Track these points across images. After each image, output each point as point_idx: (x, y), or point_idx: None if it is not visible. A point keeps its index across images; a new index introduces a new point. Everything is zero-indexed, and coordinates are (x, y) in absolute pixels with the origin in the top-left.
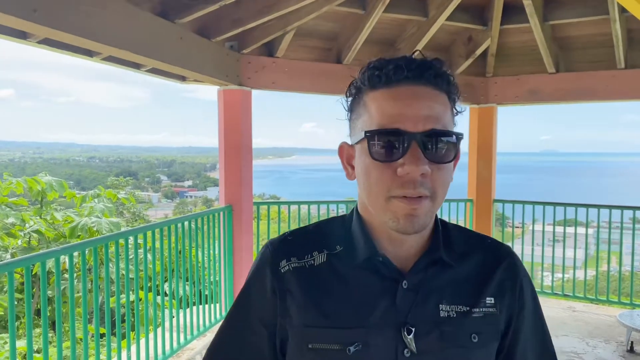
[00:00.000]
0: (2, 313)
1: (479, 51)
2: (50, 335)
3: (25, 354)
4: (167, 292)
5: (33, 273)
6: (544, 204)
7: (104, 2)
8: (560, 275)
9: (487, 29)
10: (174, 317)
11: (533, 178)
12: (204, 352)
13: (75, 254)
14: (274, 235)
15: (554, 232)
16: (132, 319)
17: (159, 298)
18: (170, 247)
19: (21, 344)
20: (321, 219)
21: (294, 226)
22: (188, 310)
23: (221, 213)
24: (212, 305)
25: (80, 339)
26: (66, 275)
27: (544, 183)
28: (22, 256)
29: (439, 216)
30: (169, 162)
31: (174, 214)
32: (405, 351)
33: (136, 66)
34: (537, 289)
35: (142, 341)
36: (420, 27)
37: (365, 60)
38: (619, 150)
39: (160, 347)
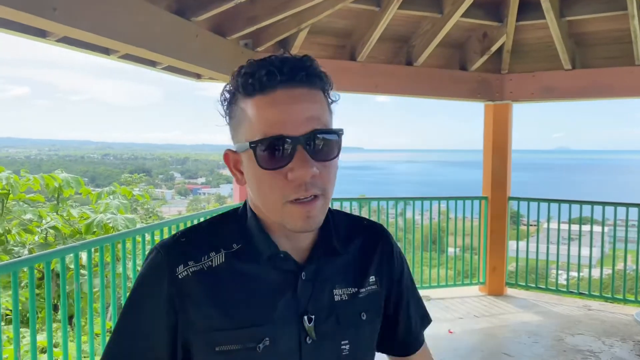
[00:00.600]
0: (20, 308)
1: (494, 48)
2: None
3: (42, 349)
4: None
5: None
6: (560, 201)
7: (122, 0)
8: (574, 273)
9: (503, 25)
10: None
11: (546, 176)
12: None
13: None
14: None
15: (569, 230)
16: None
17: None
18: None
19: (39, 339)
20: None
21: None
22: None
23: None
24: None
25: (97, 334)
26: (83, 271)
27: (558, 181)
28: (41, 252)
29: (449, 211)
30: (183, 160)
31: (187, 211)
32: (307, 339)
33: (152, 64)
34: (552, 287)
35: None
36: (435, 23)
37: (379, 57)
38: (635, 148)
39: None
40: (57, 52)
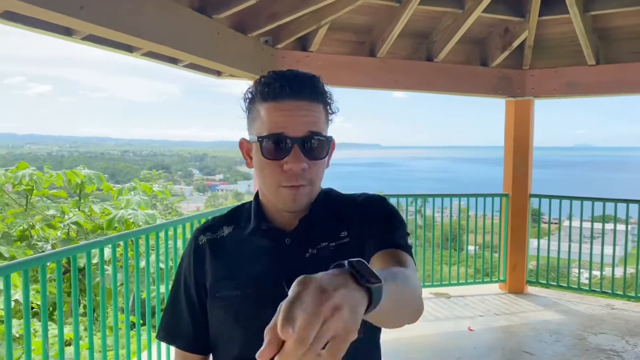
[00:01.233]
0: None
1: (515, 43)
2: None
3: (68, 341)
4: None
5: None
6: (582, 199)
7: None
8: (597, 272)
9: (525, 21)
10: None
11: (567, 173)
12: None
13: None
14: None
15: (592, 228)
16: None
17: None
18: None
19: (55, 332)
20: None
21: None
22: None
23: None
24: None
25: (120, 328)
26: (105, 266)
27: (579, 178)
28: (64, 247)
29: (469, 208)
30: (201, 156)
31: (205, 207)
32: (284, 292)
33: (174, 61)
34: (574, 286)
35: None
36: (455, 19)
37: (399, 53)
38: None
39: None
40: (79, 50)
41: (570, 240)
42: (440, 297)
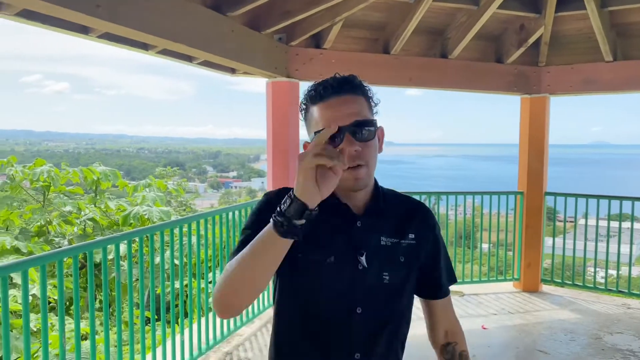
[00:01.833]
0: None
1: (531, 40)
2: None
3: (84, 335)
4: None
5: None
6: (598, 197)
7: None
8: (612, 271)
9: (541, 17)
10: None
11: (583, 171)
12: (252, 338)
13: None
14: None
15: (608, 226)
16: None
17: (210, 286)
18: (221, 235)
19: (71, 327)
20: None
21: None
22: None
23: None
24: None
25: (135, 323)
26: (119, 262)
27: (596, 176)
28: (81, 242)
29: (483, 206)
30: (215, 154)
31: (219, 204)
32: (359, 265)
33: (188, 59)
34: (589, 285)
35: (195, 326)
36: (470, 15)
37: (413, 50)
38: None
39: (211, 332)
40: (95, 48)
41: (585, 238)
42: (454, 295)
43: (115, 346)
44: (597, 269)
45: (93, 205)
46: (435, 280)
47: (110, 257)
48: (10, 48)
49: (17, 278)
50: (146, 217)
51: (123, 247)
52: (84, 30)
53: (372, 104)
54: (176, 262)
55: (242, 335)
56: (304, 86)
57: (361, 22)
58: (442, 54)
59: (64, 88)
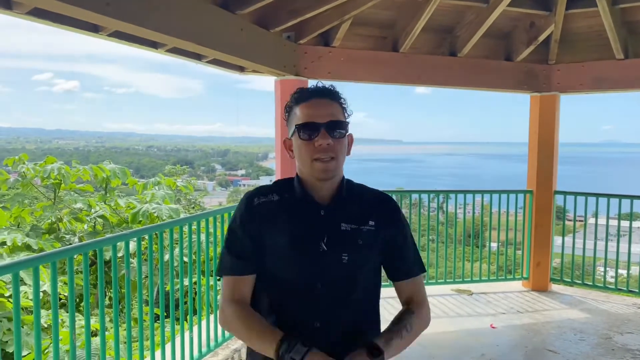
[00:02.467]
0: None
1: (541, 37)
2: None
3: (93, 332)
4: None
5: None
6: (609, 196)
7: None
8: (623, 271)
9: (551, 14)
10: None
11: (594, 170)
12: None
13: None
14: None
15: (618, 225)
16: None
17: (219, 283)
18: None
19: (82, 323)
20: None
21: None
22: None
23: None
24: None
25: (145, 321)
26: (129, 259)
27: (606, 175)
28: (91, 240)
29: (492, 205)
30: (223, 152)
31: (227, 202)
32: (320, 248)
33: (198, 57)
34: (599, 284)
35: (203, 323)
36: (479, 13)
37: (422, 48)
38: None
39: (220, 330)
40: (105, 46)
41: (596, 238)
42: (463, 293)
43: (125, 343)
44: (607, 269)
45: (103, 203)
46: (400, 263)
47: (120, 254)
48: (21, 47)
49: (26, 277)
50: (155, 214)
51: (133, 245)
52: (94, 28)
53: (346, 112)
54: (185, 259)
55: None
56: (313, 84)
57: (370, 20)
58: (451, 52)
59: (74, 86)
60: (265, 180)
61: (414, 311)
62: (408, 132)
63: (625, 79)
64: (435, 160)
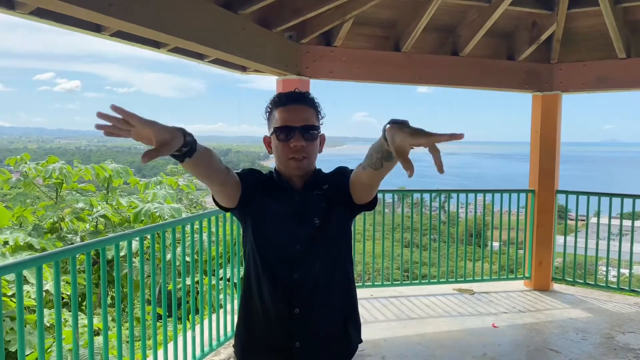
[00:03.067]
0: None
1: (543, 37)
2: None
3: (96, 331)
4: (229, 276)
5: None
6: (611, 195)
7: None
8: (625, 270)
9: (553, 14)
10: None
11: (595, 169)
12: None
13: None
14: None
15: (620, 225)
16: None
17: (221, 282)
18: (232, 232)
19: (84, 322)
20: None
21: None
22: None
23: None
24: None
25: (147, 320)
26: (132, 259)
27: (608, 174)
28: (94, 239)
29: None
30: (225, 151)
31: None
32: (295, 221)
33: (200, 57)
34: (601, 284)
35: (205, 323)
36: (481, 12)
37: (424, 48)
38: None
39: (222, 329)
40: (107, 46)
41: (597, 237)
42: (464, 293)
43: (128, 342)
44: (609, 268)
45: (105, 202)
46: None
47: (122, 253)
48: (23, 46)
49: (29, 275)
50: (157, 214)
51: (135, 244)
52: (96, 28)
53: (320, 116)
54: (187, 259)
55: None
56: (315, 84)
57: (372, 20)
58: (453, 51)
59: (75, 86)
60: None
61: None
62: None
63: (627, 78)
64: None
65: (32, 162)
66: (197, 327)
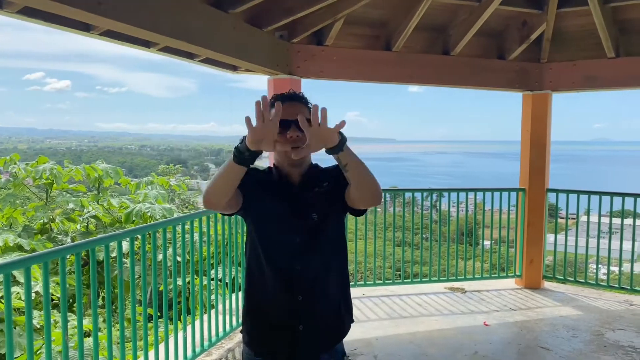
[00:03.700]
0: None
1: (533, 36)
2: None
3: (86, 332)
4: (221, 277)
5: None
6: (601, 193)
7: None
8: (615, 268)
9: (543, 13)
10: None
11: (585, 168)
12: None
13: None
14: None
15: (610, 223)
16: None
17: (212, 282)
18: (223, 232)
19: (74, 324)
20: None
21: None
22: (240, 293)
23: None
24: None
25: (138, 320)
26: (122, 259)
27: (598, 173)
28: (84, 240)
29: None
30: (217, 151)
31: None
32: (295, 215)
33: (190, 56)
34: (591, 282)
35: (197, 323)
36: (472, 12)
37: (415, 47)
38: None
39: (214, 329)
40: (97, 45)
41: (588, 235)
42: (456, 291)
43: (118, 343)
44: (599, 266)
45: (96, 203)
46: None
47: (112, 254)
48: (12, 46)
49: (19, 276)
50: (148, 214)
51: (125, 245)
52: (85, 27)
53: (309, 109)
54: (178, 259)
55: None
56: (306, 83)
57: (363, 19)
58: (444, 50)
59: (65, 86)
60: None
61: None
62: (401, 130)
63: (616, 78)
64: (428, 159)
65: (22, 162)
66: (189, 328)
